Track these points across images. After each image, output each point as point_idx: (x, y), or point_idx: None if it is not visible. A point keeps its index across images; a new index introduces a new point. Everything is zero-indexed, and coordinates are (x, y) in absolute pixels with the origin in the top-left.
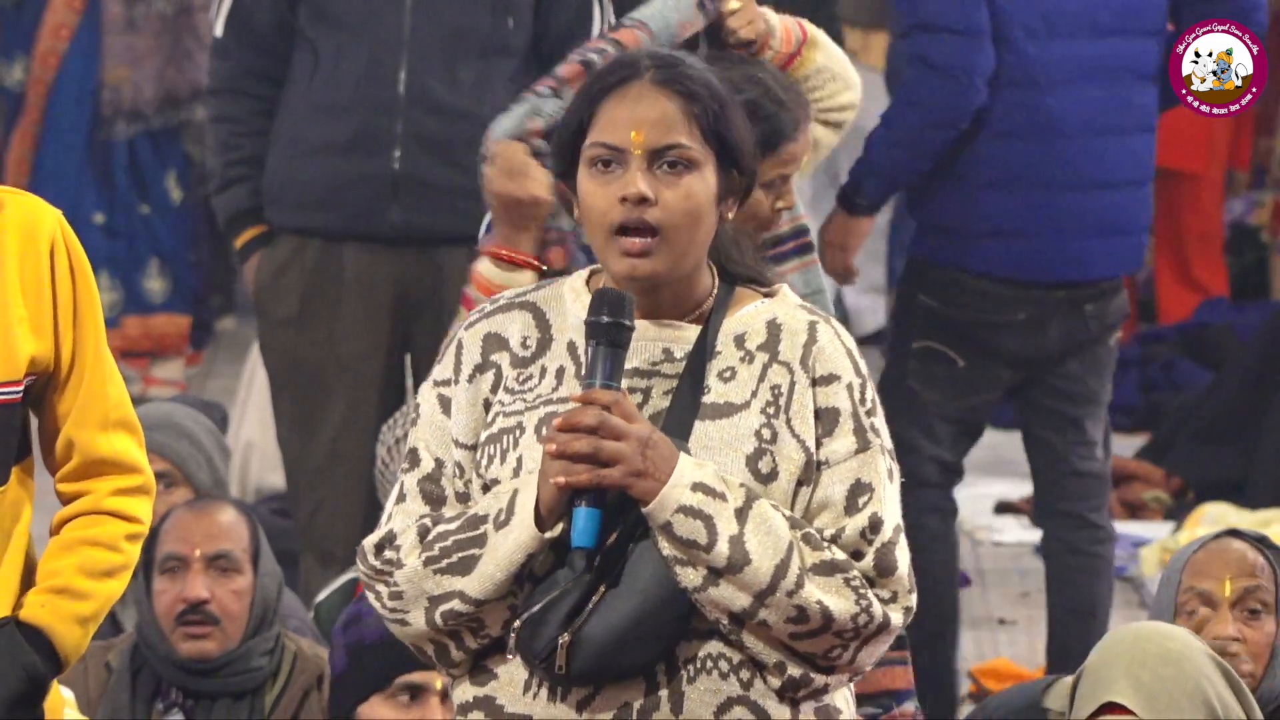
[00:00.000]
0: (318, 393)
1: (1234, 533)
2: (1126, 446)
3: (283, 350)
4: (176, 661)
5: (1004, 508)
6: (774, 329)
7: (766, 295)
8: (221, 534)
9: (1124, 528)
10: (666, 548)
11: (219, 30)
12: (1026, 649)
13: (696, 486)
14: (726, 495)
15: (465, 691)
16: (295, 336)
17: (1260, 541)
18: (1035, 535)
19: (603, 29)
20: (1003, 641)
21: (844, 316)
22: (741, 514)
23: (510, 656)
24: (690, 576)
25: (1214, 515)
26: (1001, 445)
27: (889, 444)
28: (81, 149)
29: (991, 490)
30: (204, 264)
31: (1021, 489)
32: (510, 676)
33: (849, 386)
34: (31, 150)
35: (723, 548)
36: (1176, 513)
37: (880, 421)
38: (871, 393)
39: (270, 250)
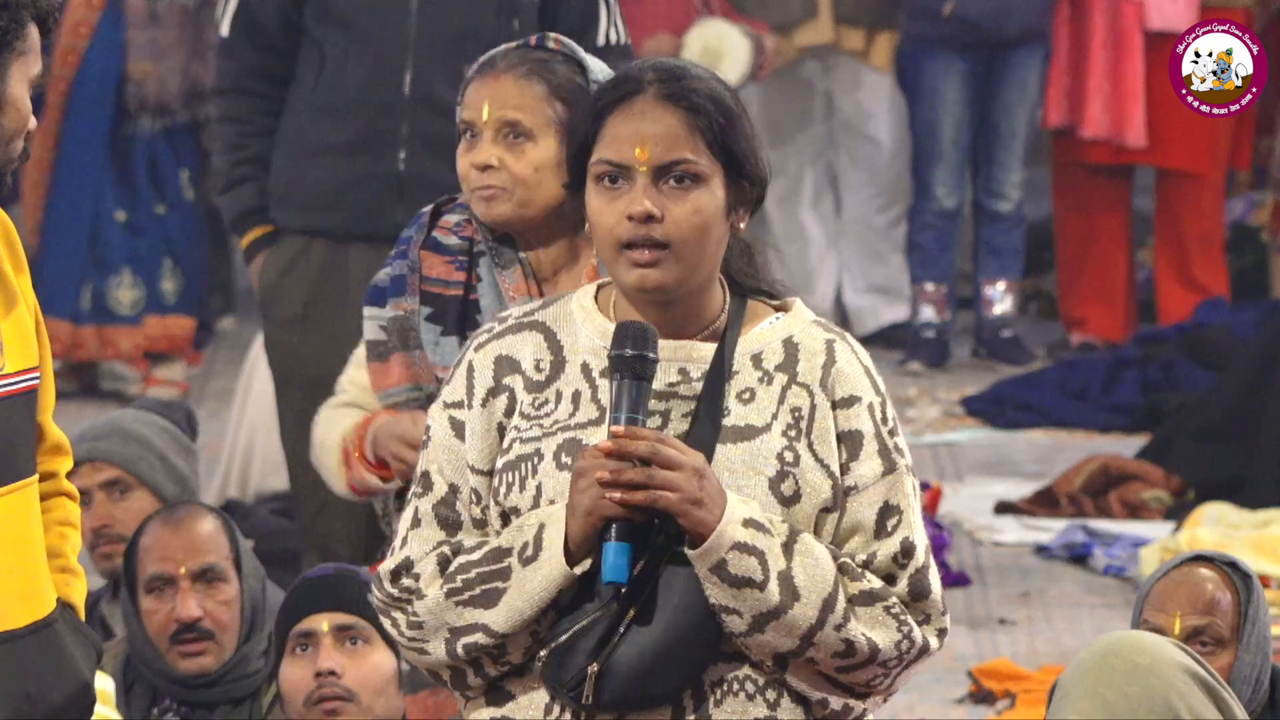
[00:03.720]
0: (322, 393)
1: (1202, 558)
2: (1126, 446)
3: (287, 350)
4: (175, 678)
5: (1004, 508)
6: (791, 348)
7: (779, 309)
8: (203, 546)
9: (1124, 528)
10: (715, 590)
11: (225, 30)
12: (1026, 649)
13: (748, 522)
14: (772, 531)
15: (482, 713)
16: (300, 336)
17: (1231, 567)
18: (1035, 535)
19: (607, 29)
20: (1003, 642)
21: (844, 316)
22: (788, 548)
23: (538, 685)
24: (737, 623)
25: (1214, 515)
26: (1001, 445)
27: (910, 460)
28: (102, 147)
29: (991, 490)
30: (204, 264)
31: (1021, 489)
32: (530, 699)
33: (870, 407)
34: (51, 149)
35: (774, 585)
36: (1176, 513)
37: (902, 440)
38: (891, 410)
39: (275, 250)
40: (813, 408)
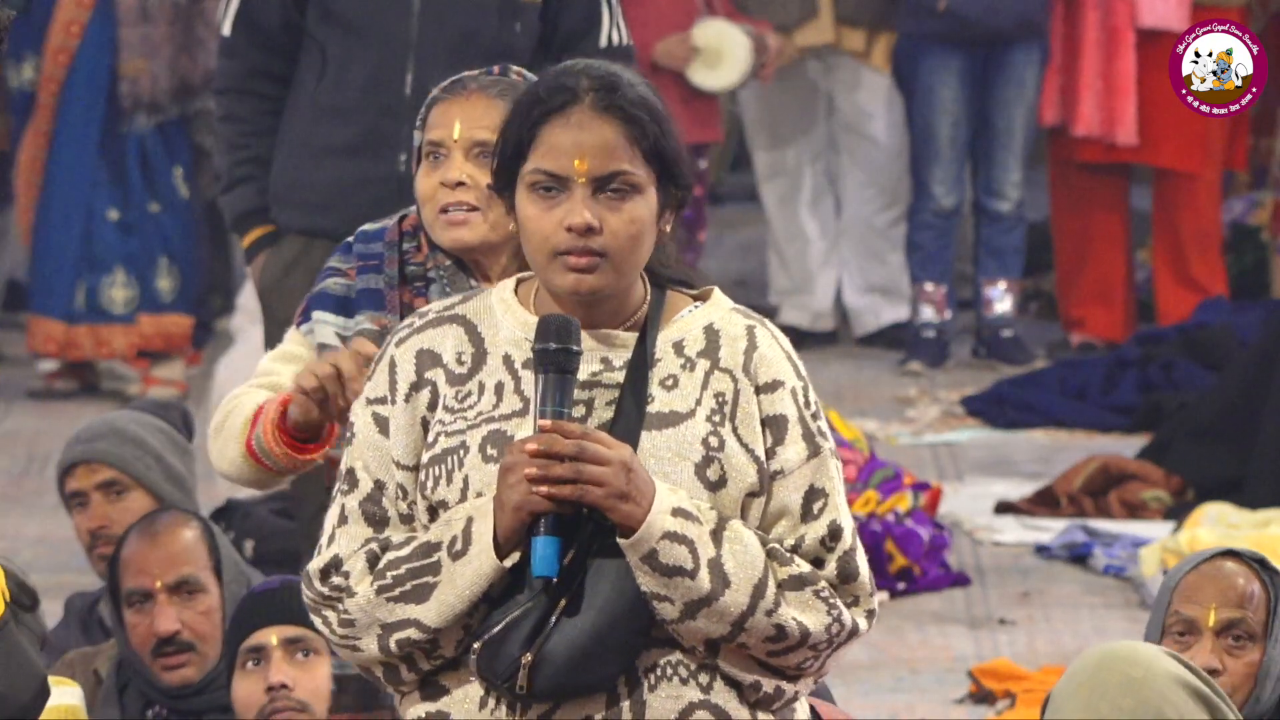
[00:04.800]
0: None
1: (1231, 553)
2: (1126, 446)
3: None
4: (162, 688)
5: (1004, 508)
6: (712, 335)
7: (698, 299)
8: (179, 558)
9: (1124, 528)
10: (646, 579)
11: (226, 30)
12: (1026, 649)
13: (677, 511)
14: (701, 519)
15: (417, 709)
16: None
17: (1259, 563)
18: (1035, 535)
19: (610, 31)
20: (1003, 641)
21: (844, 316)
22: (717, 536)
23: (473, 678)
24: (669, 610)
25: (1214, 515)
26: (1001, 445)
27: (833, 444)
28: (95, 145)
29: (991, 490)
30: (203, 263)
31: (1021, 489)
32: (465, 693)
33: (793, 391)
34: (45, 149)
35: (704, 573)
36: (1176, 513)
37: (824, 424)
38: (814, 395)
39: (276, 250)
40: (736, 393)
